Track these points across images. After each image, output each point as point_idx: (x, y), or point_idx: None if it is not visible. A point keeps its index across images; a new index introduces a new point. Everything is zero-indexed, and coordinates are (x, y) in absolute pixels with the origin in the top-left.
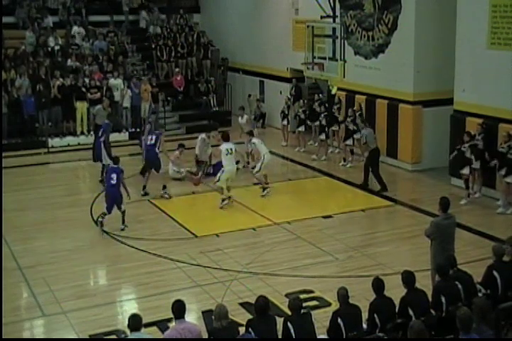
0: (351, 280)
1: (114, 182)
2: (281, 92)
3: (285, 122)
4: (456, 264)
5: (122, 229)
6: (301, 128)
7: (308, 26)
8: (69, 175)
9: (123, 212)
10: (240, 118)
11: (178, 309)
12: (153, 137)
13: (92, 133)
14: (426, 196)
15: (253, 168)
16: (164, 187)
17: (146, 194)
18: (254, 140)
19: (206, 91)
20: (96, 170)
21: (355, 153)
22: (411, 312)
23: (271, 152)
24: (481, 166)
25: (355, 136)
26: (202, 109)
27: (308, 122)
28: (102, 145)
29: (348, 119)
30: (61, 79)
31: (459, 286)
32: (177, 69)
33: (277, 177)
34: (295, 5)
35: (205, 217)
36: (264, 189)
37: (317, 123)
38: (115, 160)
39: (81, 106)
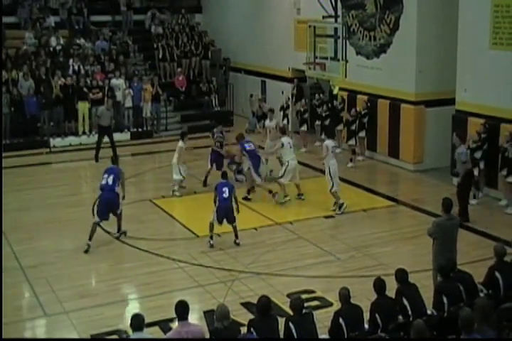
0: (353, 281)
1: (226, 195)
2: (282, 92)
3: (285, 122)
4: (456, 268)
5: (237, 244)
6: (304, 128)
7: (310, 26)
8: (71, 174)
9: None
10: (268, 120)
11: (181, 310)
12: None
13: (93, 133)
14: (428, 196)
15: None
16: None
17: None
18: (284, 139)
19: (208, 91)
20: (97, 170)
21: (357, 153)
22: (405, 302)
23: None
24: (485, 166)
25: (360, 135)
26: (204, 109)
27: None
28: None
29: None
30: (63, 79)
31: (461, 287)
32: (179, 69)
33: None
34: (297, 5)
35: (206, 217)
36: (285, 196)
37: (319, 122)
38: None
39: (83, 107)
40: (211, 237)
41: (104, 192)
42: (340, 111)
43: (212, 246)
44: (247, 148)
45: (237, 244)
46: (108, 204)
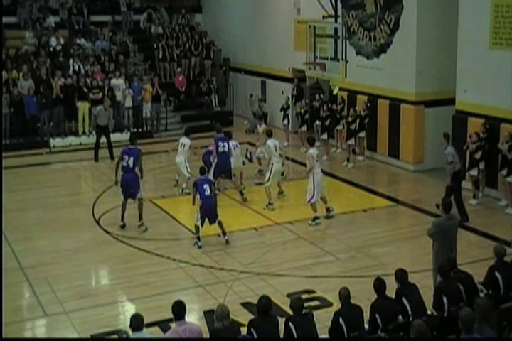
0: (353, 281)
1: (208, 193)
2: (282, 92)
3: (285, 122)
4: (456, 267)
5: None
6: (304, 128)
7: (310, 26)
8: (71, 175)
9: (219, 222)
10: (258, 126)
11: (178, 310)
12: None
13: (93, 133)
14: (428, 196)
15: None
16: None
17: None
18: (269, 142)
19: (208, 91)
20: (97, 170)
21: (357, 153)
22: (405, 302)
23: None
24: (485, 166)
25: (360, 135)
26: (204, 109)
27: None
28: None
29: (350, 119)
30: (63, 79)
31: (461, 287)
32: (179, 70)
33: None
34: (297, 5)
35: None
36: (269, 204)
37: (319, 122)
38: (202, 170)
39: (83, 106)
40: (198, 238)
41: (126, 173)
42: (340, 111)
43: (200, 247)
44: (219, 149)
45: (227, 241)
46: (128, 184)
